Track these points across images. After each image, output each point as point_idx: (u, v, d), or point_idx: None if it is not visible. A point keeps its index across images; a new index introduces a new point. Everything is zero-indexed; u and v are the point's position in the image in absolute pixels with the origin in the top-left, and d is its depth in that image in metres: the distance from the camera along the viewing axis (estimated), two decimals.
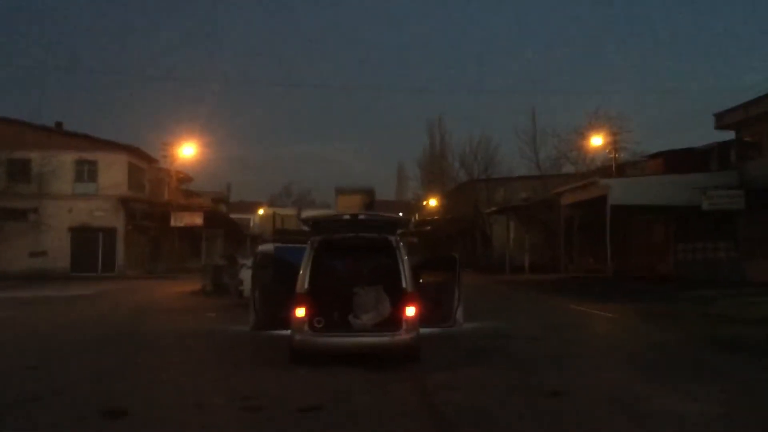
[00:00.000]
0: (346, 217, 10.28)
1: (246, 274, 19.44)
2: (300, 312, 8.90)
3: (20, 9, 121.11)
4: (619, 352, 10.91)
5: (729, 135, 31.22)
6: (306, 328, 8.92)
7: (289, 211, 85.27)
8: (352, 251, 10.32)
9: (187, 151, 45.06)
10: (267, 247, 17.54)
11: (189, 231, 43.49)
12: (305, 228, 10.88)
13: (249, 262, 21.26)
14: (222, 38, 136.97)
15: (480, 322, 13.62)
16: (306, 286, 9.11)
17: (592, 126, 40.37)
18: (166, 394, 7.67)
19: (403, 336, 8.93)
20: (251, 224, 76.42)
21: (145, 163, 45.68)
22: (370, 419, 6.47)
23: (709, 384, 8.07)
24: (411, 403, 7.27)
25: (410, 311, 8.95)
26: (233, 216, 63.67)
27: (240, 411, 6.73)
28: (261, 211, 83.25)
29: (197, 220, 41.88)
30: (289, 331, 9.25)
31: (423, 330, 9.51)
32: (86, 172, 41.41)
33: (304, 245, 11.17)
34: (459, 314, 10.42)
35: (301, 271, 9.30)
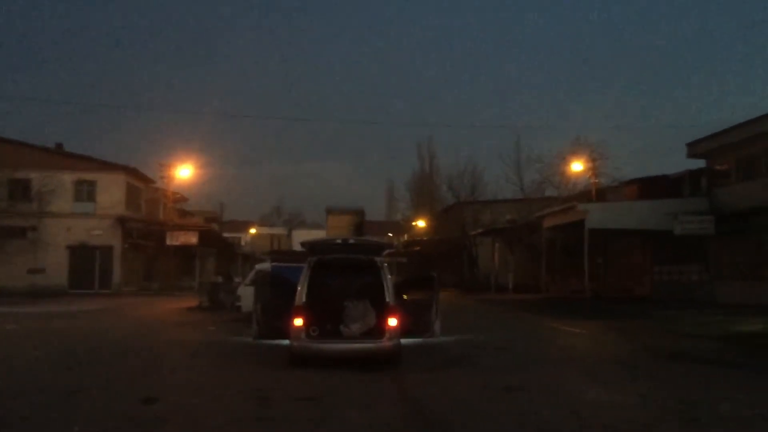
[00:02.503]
0: (339, 241, 11.94)
1: (243, 291, 20.89)
2: (298, 322, 10.42)
3: (24, 32, 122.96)
4: (575, 360, 12.50)
5: (700, 163, 32.90)
6: (303, 335, 10.45)
7: (280, 231, 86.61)
8: (343, 270, 11.85)
9: (184, 172, 46.41)
10: (265, 266, 18.93)
11: (183, 249, 44.55)
12: (302, 249, 12.37)
13: (246, 279, 22.71)
14: (215, 62, 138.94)
15: (459, 335, 15.16)
16: (303, 299, 10.66)
17: (574, 152, 42.04)
18: (188, 388, 9.16)
19: (386, 343, 10.49)
20: (242, 243, 77.67)
21: (142, 183, 47.01)
22: (357, 406, 7.94)
23: (641, 383, 9.70)
24: (391, 396, 8.82)
25: (392, 322, 10.49)
26: (225, 235, 64.95)
27: (251, 400, 8.20)
28: (253, 231, 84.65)
29: (192, 239, 43.00)
30: (287, 341, 10.76)
31: (405, 340, 11.08)
32: (85, 191, 42.69)
33: (297, 264, 12.77)
34: (437, 326, 11.99)
35: (299, 287, 10.84)
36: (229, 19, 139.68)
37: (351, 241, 12.10)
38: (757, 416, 7.60)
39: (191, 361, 11.91)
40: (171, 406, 7.87)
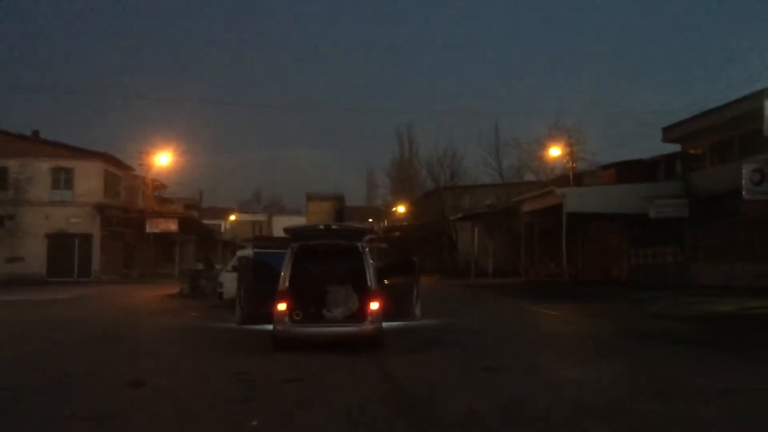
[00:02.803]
0: (321, 227, 12.14)
1: (225, 277, 20.98)
2: (281, 306, 10.60)
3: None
4: (553, 341, 12.88)
5: (676, 147, 33.38)
6: (286, 320, 10.64)
7: (261, 218, 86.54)
8: (326, 255, 12.05)
9: (163, 159, 46.17)
10: (246, 252, 19.01)
11: (162, 237, 44.47)
12: (285, 235, 12.53)
13: (228, 266, 22.78)
14: (194, 49, 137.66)
15: (439, 319, 15.45)
16: (287, 284, 10.84)
17: (551, 137, 42.44)
18: (174, 371, 9.37)
19: (368, 326, 10.72)
20: (222, 230, 77.49)
21: (120, 170, 46.68)
22: (341, 386, 8.20)
23: (613, 361, 10.10)
24: (374, 376, 9.04)
25: (374, 306, 10.72)
26: (205, 222, 64.75)
27: (236, 382, 8.40)
28: (233, 218, 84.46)
29: (172, 226, 42.89)
30: (270, 326, 10.94)
31: (387, 324, 11.30)
32: (63, 179, 42.32)
33: (279, 250, 12.94)
34: (417, 310, 12.28)
35: (282, 272, 11.00)
36: (210, 6, 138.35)
37: (333, 227, 12.31)
38: (722, 390, 7.94)
39: (176, 347, 12.06)
40: (159, 389, 8.04)
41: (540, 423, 6.45)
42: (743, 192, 21.92)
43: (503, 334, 13.98)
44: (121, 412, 6.91)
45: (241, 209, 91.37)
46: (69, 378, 8.72)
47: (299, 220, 65.44)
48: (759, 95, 24.73)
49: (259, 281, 12.14)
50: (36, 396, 7.74)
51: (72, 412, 6.79)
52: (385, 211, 75.74)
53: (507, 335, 13.71)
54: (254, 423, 6.37)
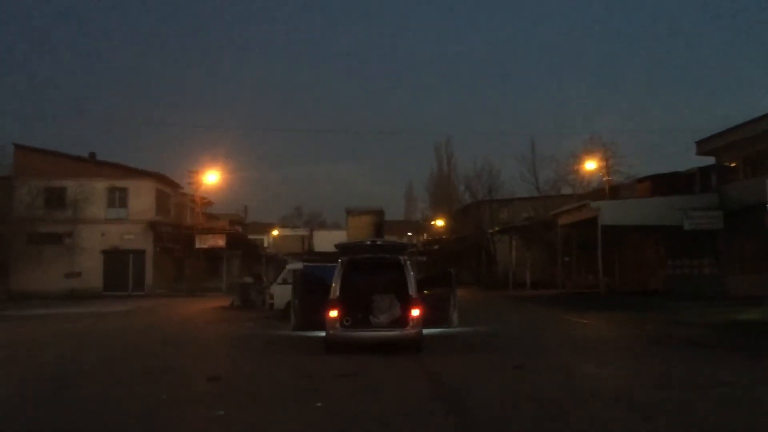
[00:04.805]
0: (368, 243, 13.62)
1: (276, 289, 22.48)
2: (333, 313, 12.00)
3: (57, 47, 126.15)
4: (580, 345, 14.04)
5: (710, 160, 33.89)
6: (338, 325, 12.05)
7: (303, 232, 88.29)
8: (372, 268, 13.45)
9: (210, 178, 48.17)
10: (297, 266, 20.50)
11: (209, 252, 46.26)
12: (335, 250, 13.99)
13: (278, 278, 24.29)
14: (234, 64, 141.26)
15: (475, 327, 16.68)
16: (337, 294, 12.23)
17: (587, 151, 43.22)
18: (243, 369, 10.87)
19: (410, 331, 12.05)
20: (266, 244, 79.39)
21: (170, 188, 48.83)
22: (387, 379, 9.59)
23: (631, 361, 11.27)
24: (415, 372, 10.43)
25: (415, 312, 12.06)
26: (248, 237, 66.58)
27: (298, 377, 9.81)
28: (275, 232, 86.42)
29: (220, 242, 44.66)
30: (322, 332, 12.36)
31: (426, 330, 12.61)
32: (117, 198, 44.61)
33: (326, 264, 14.43)
34: (454, 317, 13.56)
35: (333, 284, 12.42)
36: (256, 30, 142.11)
37: (378, 242, 13.85)
38: (720, 383, 9.07)
39: (239, 350, 13.57)
40: (233, 382, 9.52)
41: (555, 408, 7.66)
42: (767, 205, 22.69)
43: (535, 339, 15.16)
44: (206, 398, 8.36)
45: (283, 224, 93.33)
46: (154, 373, 10.26)
47: (340, 234, 66.36)
48: None
49: (311, 291, 13.58)
50: (137, 385, 9.28)
51: (168, 397, 8.25)
52: (424, 225, 76.87)
53: (539, 340, 14.90)
54: (318, 405, 7.75)
